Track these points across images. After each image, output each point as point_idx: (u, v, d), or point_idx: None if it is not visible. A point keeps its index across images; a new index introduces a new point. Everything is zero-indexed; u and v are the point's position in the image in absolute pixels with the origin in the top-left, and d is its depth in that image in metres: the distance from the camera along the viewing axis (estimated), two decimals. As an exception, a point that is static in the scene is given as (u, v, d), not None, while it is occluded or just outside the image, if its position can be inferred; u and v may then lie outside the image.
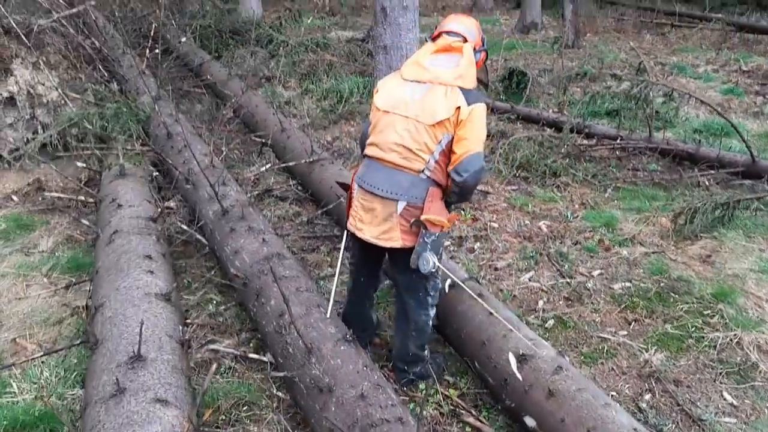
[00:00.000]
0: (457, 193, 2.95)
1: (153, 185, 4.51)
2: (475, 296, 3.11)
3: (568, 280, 4.22)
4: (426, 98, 2.88)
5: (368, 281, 3.35)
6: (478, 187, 4.59)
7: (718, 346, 3.58)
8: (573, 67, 8.20)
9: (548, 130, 6.93)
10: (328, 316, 3.03)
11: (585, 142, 6.74)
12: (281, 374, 2.82)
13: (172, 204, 4.48)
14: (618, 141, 6.49)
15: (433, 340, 3.44)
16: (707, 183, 5.73)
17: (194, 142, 4.74)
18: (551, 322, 3.81)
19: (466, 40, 3.01)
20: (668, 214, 4.92)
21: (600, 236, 4.78)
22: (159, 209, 3.88)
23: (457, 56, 2.96)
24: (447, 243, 4.69)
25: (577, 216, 5.14)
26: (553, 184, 5.71)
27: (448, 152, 2.88)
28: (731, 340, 3.63)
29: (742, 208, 4.95)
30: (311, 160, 4.98)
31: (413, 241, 2.91)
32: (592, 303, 3.99)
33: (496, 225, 4.99)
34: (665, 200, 5.37)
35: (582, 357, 3.53)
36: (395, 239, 2.92)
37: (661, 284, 4.15)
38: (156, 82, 5.89)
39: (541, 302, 4.02)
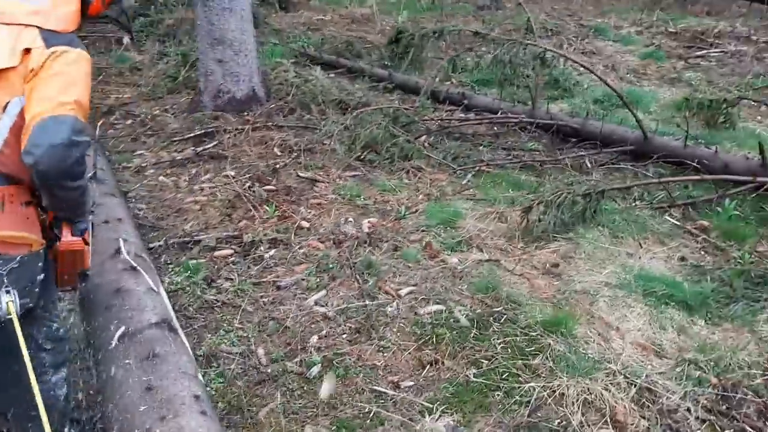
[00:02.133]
0: (44, 190, 1.79)
1: None
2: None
3: (365, 303, 3.18)
4: None
5: None
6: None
7: (532, 402, 2.58)
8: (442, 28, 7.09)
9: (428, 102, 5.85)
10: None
11: (462, 116, 5.71)
12: None
13: None
14: (498, 114, 5.46)
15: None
16: (589, 165, 4.71)
17: None
18: (316, 369, 2.77)
19: None
20: (520, 208, 3.88)
21: (431, 238, 3.73)
22: None
23: None
24: (228, 252, 3.63)
25: (416, 211, 4.08)
26: (403, 169, 4.64)
27: None
28: (553, 392, 2.62)
29: (614, 198, 3.96)
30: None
31: None
32: (381, 337, 2.96)
33: (307, 225, 3.92)
34: (534, 188, 4.34)
35: (334, 427, 2.49)
36: None
37: (483, 307, 3.13)
38: None
39: (315, 337, 2.97)
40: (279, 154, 4.82)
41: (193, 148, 4.94)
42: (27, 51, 1.75)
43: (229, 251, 3.64)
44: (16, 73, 1.76)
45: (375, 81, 6.47)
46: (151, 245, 3.62)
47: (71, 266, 2.02)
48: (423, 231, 3.83)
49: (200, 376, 2.26)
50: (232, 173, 4.51)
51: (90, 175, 3.33)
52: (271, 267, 3.51)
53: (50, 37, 1.79)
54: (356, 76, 6.68)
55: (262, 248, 3.66)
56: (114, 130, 5.48)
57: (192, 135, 5.09)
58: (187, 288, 3.27)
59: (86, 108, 1.82)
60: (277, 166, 4.54)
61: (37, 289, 1.93)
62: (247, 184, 4.29)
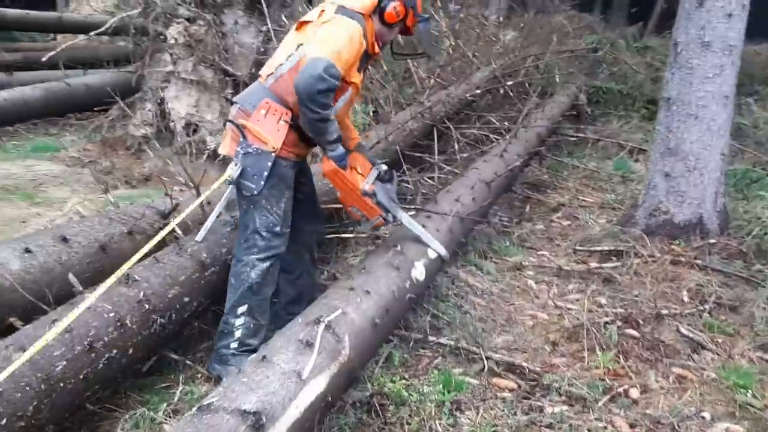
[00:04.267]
0: (299, 106, 2.52)
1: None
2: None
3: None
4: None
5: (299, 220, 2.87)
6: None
7: None
8: None
9: None
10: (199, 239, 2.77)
11: None
12: None
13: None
14: None
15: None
16: None
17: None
18: None
19: None
20: None
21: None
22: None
23: None
24: (508, 384, 2.80)
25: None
26: None
27: None
28: None
29: None
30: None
31: None
32: None
33: (636, 395, 2.73)
34: None
35: None
36: (226, 146, 2.70)
37: None
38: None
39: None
40: (684, 300, 3.58)
41: (592, 263, 4.14)
42: (321, 11, 2.61)
43: (511, 384, 2.82)
44: (312, 25, 2.61)
45: None
46: (437, 340, 3.08)
47: (344, 192, 2.80)
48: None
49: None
50: (604, 301, 3.57)
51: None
52: (535, 425, 2.55)
53: (340, 9, 2.58)
54: None
55: (549, 399, 2.71)
56: (543, 226, 5.08)
57: (600, 249, 4.28)
58: (418, 407, 2.60)
59: (344, 61, 2.50)
60: (665, 312, 3.37)
61: (262, 182, 2.56)
62: (607, 319, 3.30)
